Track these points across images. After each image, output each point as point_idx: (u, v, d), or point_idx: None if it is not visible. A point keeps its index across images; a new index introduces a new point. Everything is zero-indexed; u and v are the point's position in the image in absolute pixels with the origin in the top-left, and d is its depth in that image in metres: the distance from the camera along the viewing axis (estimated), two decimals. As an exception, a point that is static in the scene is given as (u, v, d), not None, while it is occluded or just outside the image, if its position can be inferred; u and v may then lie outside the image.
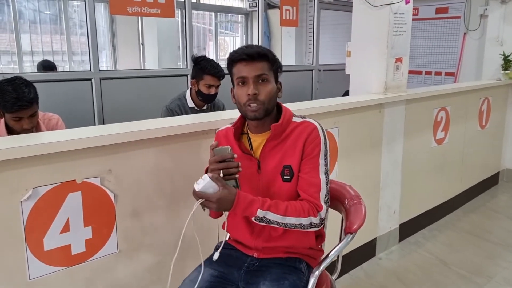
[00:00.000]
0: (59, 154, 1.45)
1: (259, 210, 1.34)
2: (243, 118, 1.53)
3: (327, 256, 1.47)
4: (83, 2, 3.27)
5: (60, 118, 2.42)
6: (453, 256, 3.03)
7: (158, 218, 1.77)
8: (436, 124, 3.35)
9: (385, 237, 3.05)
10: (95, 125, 3.41)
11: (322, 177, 1.43)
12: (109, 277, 1.65)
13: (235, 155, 1.32)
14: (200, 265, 1.45)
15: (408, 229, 3.27)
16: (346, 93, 4.49)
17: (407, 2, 2.76)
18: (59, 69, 4.60)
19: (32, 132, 2.18)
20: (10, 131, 2.16)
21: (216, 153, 1.33)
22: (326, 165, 1.45)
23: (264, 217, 1.35)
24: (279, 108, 1.52)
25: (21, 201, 1.40)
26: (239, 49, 1.42)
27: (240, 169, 1.31)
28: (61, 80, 3.28)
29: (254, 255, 1.51)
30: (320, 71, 5.06)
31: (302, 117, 1.52)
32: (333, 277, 1.67)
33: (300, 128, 1.46)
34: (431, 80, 5.23)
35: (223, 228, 1.60)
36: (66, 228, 1.50)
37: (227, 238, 1.65)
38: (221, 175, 1.30)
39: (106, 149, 1.56)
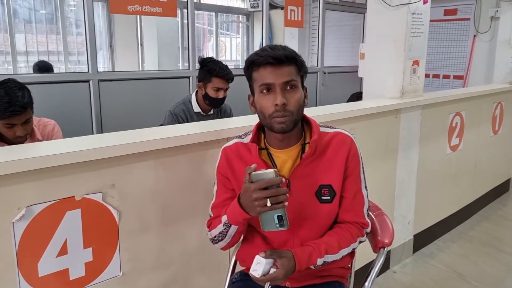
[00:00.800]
0: (56, 168, 1.28)
1: (318, 259, 1.23)
2: (258, 130, 1.35)
3: (367, 277, 1.38)
4: (81, 1, 3.10)
5: (57, 124, 2.25)
6: (470, 268, 2.89)
7: (166, 236, 1.60)
8: (451, 130, 3.20)
9: (399, 249, 2.90)
10: (93, 129, 3.25)
11: (364, 191, 1.34)
12: (111, 303, 1.48)
13: (283, 180, 1.12)
14: None
15: (422, 240, 3.12)
16: (353, 97, 4.35)
17: (425, 2, 2.62)
18: (55, 69, 4.42)
19: (26, 139, 2.01)
20: (2, 139, 1.99)
21: (255, 178, 1.11)
22: (365, 178, 1.35)
23: (324, 261, 1.25)
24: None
25: (13, 222, 1.23)
26: (262, 51, 1.23)
27: (287, 195, 1.12)
28: (58, 82, 3.12)
29: (287, 285, 1.34)
30: (325, 73, 4.91)
31: (330, 126, 1.35)
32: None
33: (336, 141, 1.30)
34: (439, 84, 5.09)
35: (240, 263, 1.46)
36: (63, 251, 1.34)
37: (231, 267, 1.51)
38: (269, 204, 1.10)
39: (109, 161, 1.39)
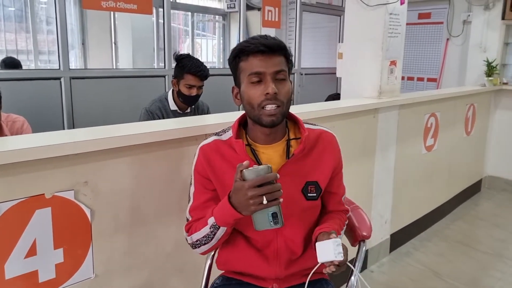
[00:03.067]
0: (25, 163, 1.20)
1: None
2: (240, 126, 1.30)
3: (351, 273, 1.36)
4: (52, -3, 3.00)
5: (26, 120, 2.16)
6: (446, 267, 2.92)
7: (141, 237, 1.54)
8: (426, 130, 3.24)
9: (377, 249, 2.91)
10: (64, 128, 3.14)
11: (344, 185, 1.39)
12: (84, 307, 1.41)
13: (278, 176, 1.06)
14: None
15: (398, 239, 3.14)
16: (329, 98, 4.37)
17: (402, 3, 2.64)
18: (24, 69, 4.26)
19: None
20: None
21: (249, 176, 1.05)
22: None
23: None
24: None
25: (-23, 221, 1.15)
26: (253, 39, 1.18)
27: (281, 191, 1.06)
28: (27, 79, 3.00)
29: (274, 287, 1.30)
30: (302, 74, 4.91)
31: (312, 123, 1.34)
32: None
33: (324, 139, 1.29)
34: (413, 86, 5.17)
35: (218, 267, 1.40)
36: (32, 252, 1.26)
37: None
38: (265, 202, 1.04)
39: (82, 157, 1.32)
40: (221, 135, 1.30)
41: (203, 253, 1.32)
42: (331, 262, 1.07)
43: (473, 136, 4.10)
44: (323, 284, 1.34)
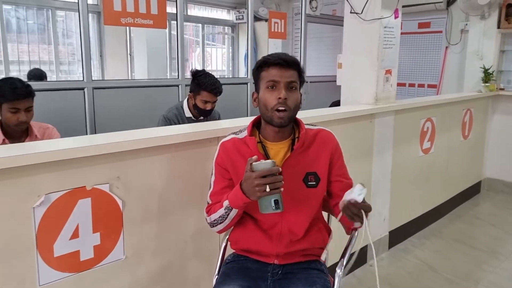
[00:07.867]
0: (70, 161, 1.47)
1: None
2: (253, 126, 1.56)
3: (343, 256, 1.56)
4: (70, 12, 3.27)
5: (55, 128, 2.43)
6: (441, 262, 3.12)
7: (165, 224, 1.79)
8: (422, 134, 3.46)
9: (376, 244, 3.13)
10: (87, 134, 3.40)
11: (350, 178, 1.60)
12: (116, 283, 1.66)
13: (280, 169, 1.32)
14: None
15: (397, 236, 3.35)
16: (333, 104, 4.59)
17: (396, 17, 2.88)
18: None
19: (26, 129, 2.23)
20: (5, 133, 2.18)
21: (256, 168, 1.31)
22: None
23: None
24: None
25: (34, 207, 1.41)
26: (273, 54, 1.47)
27: (283, 182, 1.32)
28: (53, 90, 3.27)
29: (275, 262, 1.55)
30: (307, 82, 5.15)
31: (313, 124, 1.60)
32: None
33: (321, 137, 1.55)
34: (415, 92, 5.39)
35: (231, 246, 1.65)
36: (75, 234, 1.52)
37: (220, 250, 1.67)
38: (268, 189, 1.30)
39: (115, 156, 1.59)
40: (238, 134, 1.58)
41: (219, 232, 1.58)
42: (353, 204, 1.33)
43: (470, 140, 4.30)
44: (317, 264, 1.59)
